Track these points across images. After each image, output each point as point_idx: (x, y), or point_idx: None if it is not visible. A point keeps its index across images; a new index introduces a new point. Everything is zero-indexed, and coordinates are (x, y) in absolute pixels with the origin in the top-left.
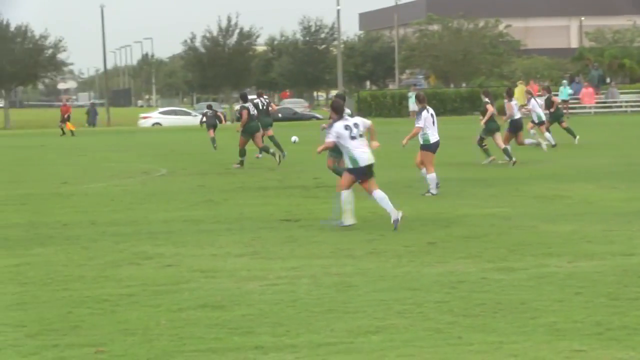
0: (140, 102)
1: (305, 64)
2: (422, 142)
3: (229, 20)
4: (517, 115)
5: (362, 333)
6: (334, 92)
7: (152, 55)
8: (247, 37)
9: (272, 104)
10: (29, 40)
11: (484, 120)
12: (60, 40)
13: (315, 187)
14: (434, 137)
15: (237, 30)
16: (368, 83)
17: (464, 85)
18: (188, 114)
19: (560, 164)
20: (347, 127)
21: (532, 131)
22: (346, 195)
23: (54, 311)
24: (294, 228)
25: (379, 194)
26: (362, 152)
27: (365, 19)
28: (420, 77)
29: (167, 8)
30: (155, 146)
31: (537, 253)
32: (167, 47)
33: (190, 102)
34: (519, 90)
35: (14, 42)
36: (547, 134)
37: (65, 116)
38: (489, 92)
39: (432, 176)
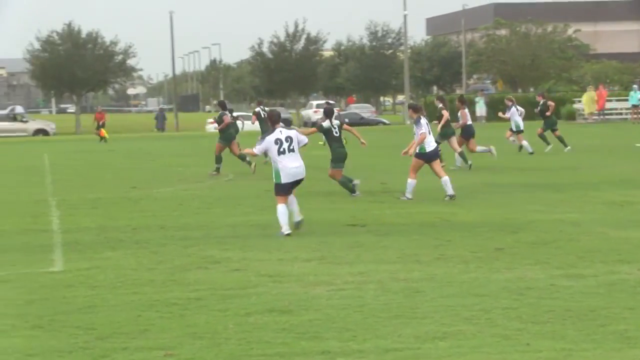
0: (208, 107)
1: (372, 69)
2: (418, 151)
3: (296, 25)
4: (469, 122)
5: (430, 339)
6: (400, 98)
7: (220, 61)
8: (314, 42)
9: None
10: (99, 47)
11: (439, 126)
12: (130, 47)
13: (382, 192)
14: (429, 146)
15: (304, 36)
16: (435, 88)
17: (532, 90)
18: (248, 118)
19: (629, 169)
20: (277, 141)
21: (511, 138)
22: (281, 209)
23: (123, 314)
24: (361, 233)
25: (292, 204)
26: (288, 168)
27: (432, 23)
28: (488, 82)
29: (236, 14)
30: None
31: (607, 260)
32: (235, 53)
33: None
34: (588, 96)
35: (85, 48)
36: (524, 142)
37: (100, 123)
38: (443, 98)
39: (411, 182)
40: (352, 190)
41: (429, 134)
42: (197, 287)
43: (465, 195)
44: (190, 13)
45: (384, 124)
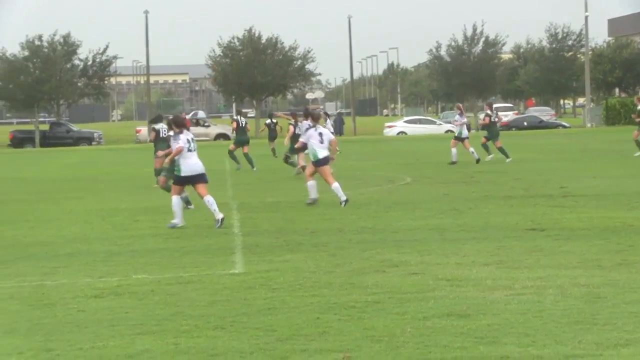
0: (385, 111)
1: (552, 71)
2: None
3: (475, 28)
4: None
5: (611, 346)
6: (580, 100)
7: (398, 65)
8: (492, 45)
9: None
10: (279, 52)
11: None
12: (308, 51)
13: (561, 196)
14: (321, 153)
15: (483, 39)
16: (617, 90)
17: None
18: (433, 122)
19: None
20: (187, 141)
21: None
22: (175, 200)
23: (302, 316)
24: (540, 237)
25: (208, 200)
26: (187, 164)
27: (615, 25)
28: None
29: (413, 18)
30: (401, 155)
31: None
32: (413, 57)
33: (435, 111)
34: None
35: (265, 53)
36: (453, 150)
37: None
38: None
39: (335, 185)
40: (187, 203)
41: (321, 144)
42: (375, 290)
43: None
44: (368, 17)
45: (564, 126)
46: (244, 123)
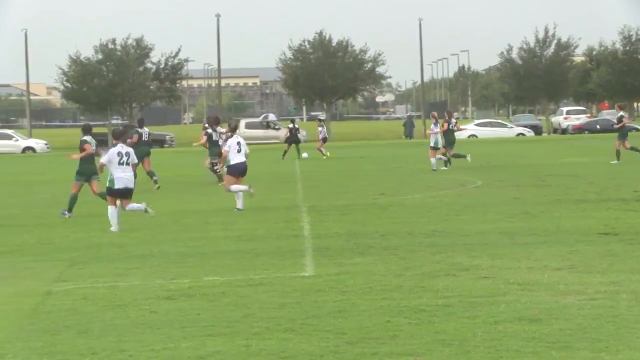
0: (456, 114)
1: (625, 74)
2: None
3: (546, 31)
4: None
5: None
6: None
7: (469, 68)
8: (564, 47)
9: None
10: (349, 55)
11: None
12: (379, 54)
13: (635, 200)
14: (234, 160)
15: (555, 41)
16: None
17: None
18: (504, 125)
19: None
20: (119, 154)
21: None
22: (111, 210)
23: (373, 319)
24: (613, 242)
25: (130, 207)
26: (121, 178)
27: None
28: None
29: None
30: (471, 158)
31: None
32: (484, 59)
33: (506, 114)
34: None
35: (335, 56)
36: (432, 160)
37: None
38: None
39: (235, 187)
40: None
41: (238, 153)
42: (445, 294)
43: None
44: (439, 20)
45: (637, 129)
46: (216, 135)
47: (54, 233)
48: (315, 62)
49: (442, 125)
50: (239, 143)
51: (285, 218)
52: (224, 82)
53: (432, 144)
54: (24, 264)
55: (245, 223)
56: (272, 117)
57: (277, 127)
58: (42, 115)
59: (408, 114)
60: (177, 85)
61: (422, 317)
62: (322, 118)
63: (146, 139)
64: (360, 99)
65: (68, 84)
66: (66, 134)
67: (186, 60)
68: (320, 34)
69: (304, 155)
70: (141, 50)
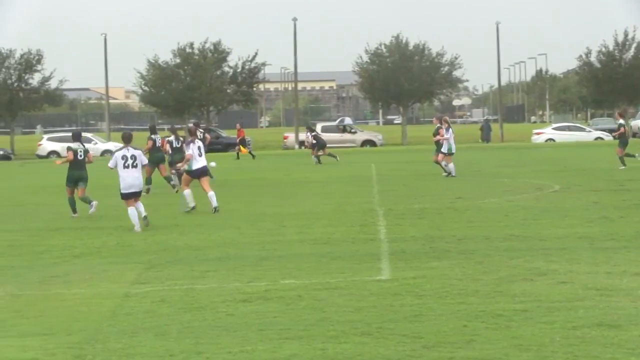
0: (533, 118)
1: None
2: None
3: (626, 34)
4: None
5: None
6: None
7: (546, 71)
8: None
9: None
10: (426, 58)
11: None
12: (456, 58)
13: None
14: (196, 165)
15: (635, 44)
16: None
17: None
18: (582, 129)
19: None
20: (123, 157)
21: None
22: (130, 211)
23: (449, 324)
24: None
25: (139, 207)
26: (124, 179)
27: None
28: None
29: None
30: (549, 162)
31: None
32: (561, 63)
33: (584, 118)
34: None
35: (412, 60)
36: (450, 165)
37: (238, 140)
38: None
39: (186, 192)
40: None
41: (199, 157)
42: (522, 298)
43: None
44: (516, 23)
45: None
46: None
47: (133, 236)
48: (392, 65)
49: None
50: (199, 147)
51: (361, 222)
52: (300, 85)
53: (445, 150)
54: (102, 266)
55: (321, 226)
56: (348, 120)
57: (353, 130)
58: (120, 119)
59: (485, 117)
60: (254, 89)
61: (499, 322)
62: (311, 125)
63: (159, 145)
64: (436, 103)
65: (146, 88)
66: (144, 137)
67: (263, 64)
68: (397, 37)
69: (212, 164)
70: (218, 54)
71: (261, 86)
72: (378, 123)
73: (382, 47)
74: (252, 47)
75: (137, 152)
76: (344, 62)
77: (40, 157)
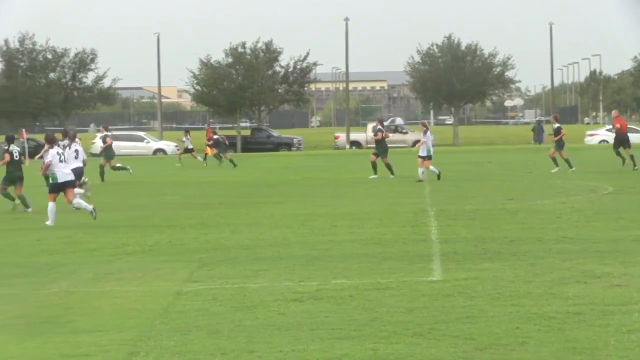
0: (586, 120)
1: None
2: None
3: None
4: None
5: None
6: None
7: (600, 72)
8: None
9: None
10: (478, 59)
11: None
12: (508, 58)
13: None
14: (60, 176)
15: None
16: None
17: None
18: (637, 131)
19: None
20: (58, 154)
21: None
22: (51, 206)
23: (501, 326)
24: None
25: (77, 203)
26: (61, 173)
27: None
28: None
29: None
30: (602, 164)
31: None
32: (615, 64)
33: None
34: None
35: (464, 60)
36: (420, 170)
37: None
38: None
39: (50, 206)
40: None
41: (61, 162)
42: (576, 301)
43: None
44: (570, 24)
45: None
46: (17, 155)
47: (185, 234)
48: (444, 66)
49: (376, 135)
50: (76, 150)
51: (412, 222)
52: (351, 85)
53: (424, 154)
54: (155, 264)
55: (372, 227)
56: (399, 120)
57: (404, 130)
58: (172, 118)
59: (537, 118)
60: (305, 88)
61: (552, 325)
62: (188, 129)
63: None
64: (488, 103)
65: (198, 87)
66: (196, 136)
67: (314, 64)
68: (449, 37)
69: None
70: (270, 53)
71: (312, 86)
72: (429, 123)
73: (434, 47)
74: (304, 47)
75: (80, 148)
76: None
77: (94, 155)
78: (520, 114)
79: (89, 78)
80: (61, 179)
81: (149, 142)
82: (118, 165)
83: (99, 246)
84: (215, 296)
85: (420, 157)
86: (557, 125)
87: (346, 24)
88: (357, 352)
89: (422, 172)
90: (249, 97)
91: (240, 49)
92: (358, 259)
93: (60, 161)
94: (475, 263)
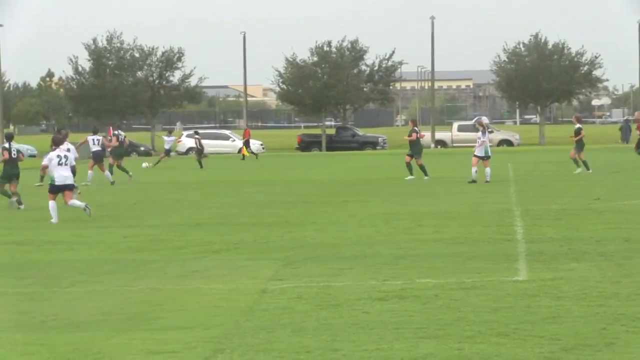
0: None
1: None
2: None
3: None
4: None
5: None
6: None
7: None
8: None
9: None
10: (565, 58)
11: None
12: (596, 57)
13: None
14: (59, 179)
15: None
16: None
17: None
18: None
19: None
20: (58, 157)
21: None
22: (51, 204)
23: (588, 326)
24: None
25: (72, 203)
26: (60, 175)
27: None
28: None
29: None
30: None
31: None
32: None
33: None
34: None
35: (551, 59)
36: (473, 169)
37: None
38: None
39: (51, 204)
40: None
41: (57, 165)
42: None
43: None
44: None
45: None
46: (15, 153)
47: (270, 232)
48: (530, 65)
49: (410, 135)
50: (68, 149)
51: (498, 222)
52: (436, 84)
53: (481, 154)
54: (240, 262)
55: (457, 226)
56: (485, 119)
57: (489, 130)
58: (258, 116)
59: (625, 118)
60: (390, 87)
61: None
62: (170, 130)
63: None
64: (575, 102)
65: (284, 86)
66: (281, 134)
67: (400, 63)
68: (536, 36)
69: (144, 164)
70: (356, 52)
71: (397, 85)
72: (515, 122)
73: (521, 46)
74: (389, 46)
75: (69, 153)
76: (481, 61)
77: (180, 153)
78: (608, 113)
79: (175, 77)
80: (60, 182)
81: (234, 140)
82: (123, 166)
83: (185, 244)
84: (300, 294)
85: (476, 156)
86: (577, 125)
87: (432, 23)
88: (442, 352)
89: (488, 173)
90: (334, 95)
91: (325, 48)
92: (443, 258)
93: (60, 164)
94: (562, 263)
